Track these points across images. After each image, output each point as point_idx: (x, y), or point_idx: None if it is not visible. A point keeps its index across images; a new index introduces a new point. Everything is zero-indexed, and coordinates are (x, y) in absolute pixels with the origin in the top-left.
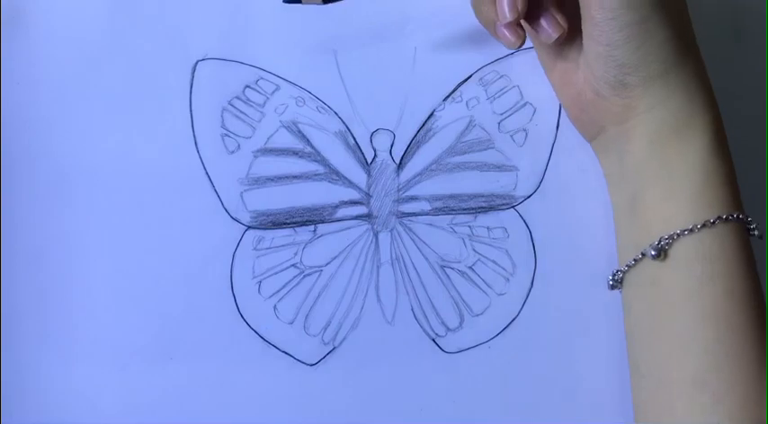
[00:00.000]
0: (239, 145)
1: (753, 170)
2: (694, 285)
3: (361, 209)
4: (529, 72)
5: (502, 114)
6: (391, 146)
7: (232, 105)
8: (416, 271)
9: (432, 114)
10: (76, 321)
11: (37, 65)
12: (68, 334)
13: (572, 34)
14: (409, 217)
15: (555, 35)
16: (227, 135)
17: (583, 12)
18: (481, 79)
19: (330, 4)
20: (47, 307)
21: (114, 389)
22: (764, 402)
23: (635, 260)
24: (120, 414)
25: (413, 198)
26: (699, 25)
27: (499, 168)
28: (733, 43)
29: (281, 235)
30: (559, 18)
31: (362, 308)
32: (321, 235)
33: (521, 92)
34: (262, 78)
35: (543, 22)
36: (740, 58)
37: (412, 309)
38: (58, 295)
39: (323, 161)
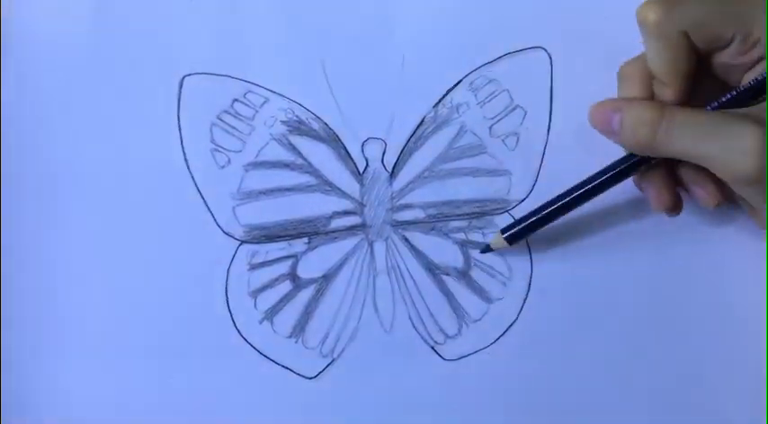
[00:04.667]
0: (230, 160)
1: None
2: None
3: (355, 219)
4: (518, 75)
5: (492, 119)
6: (383, 155)
7: (221, 119)
8: (413, 279)
9: (422, 121)
10: (72, 339)
11: (24, 82)
12: (65, 358)
13: None
14: (404, 226)
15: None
16: (216, 149)
17: None
18: (470, 84)
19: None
20: (45, 316)
21: (111, 406)
22: None
23: None
24: None
25: (406, 207)
26: None
27: (492, 173)
28: None
29: (275, 249)
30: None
31: (360, 319)
32: (316, 247)
33: (510, 96)
34: (250, 91)
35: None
36: None
37: (410, 317)
38: (52, 316)
39: (314, 172)
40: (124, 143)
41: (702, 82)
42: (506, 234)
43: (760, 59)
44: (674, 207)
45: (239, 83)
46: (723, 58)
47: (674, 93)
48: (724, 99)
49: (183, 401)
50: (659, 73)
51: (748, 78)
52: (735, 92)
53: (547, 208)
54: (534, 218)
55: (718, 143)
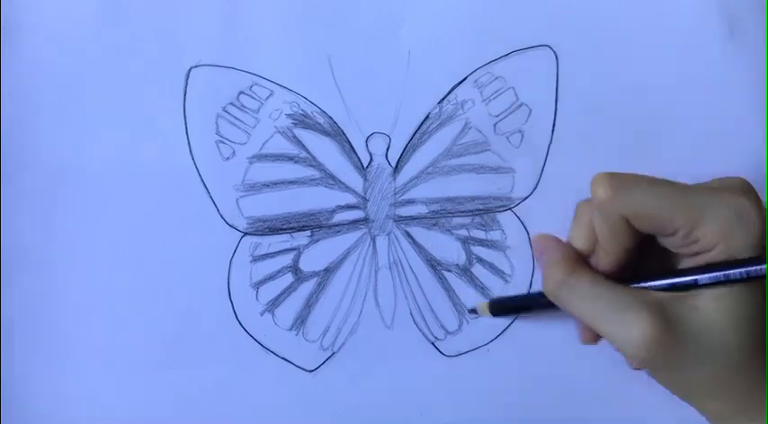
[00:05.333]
0: (234, 152)
1: (752, 167)
2: None
3: (358, 214)
4: (524, 73)
5: (497, 116)
6: (387, 150)
7: (226, 111)
8: (414, 275)
9: (427, 117)
10: (73, 328)
11: (31, 73)
12: (65, 341)
13: None
14: (406, 221)
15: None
16: (221, 141)
17: None
18: (476, 81)
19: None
20: (44, 314)
21: (112, 396)
22: None
23: None
24: (119, 420)
25: (410, 202)
26: (691, 21)
27: (496, 170)
28: (728, 40)
29: (277, 241)
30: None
31: (361, 313)
32: (318, 240)
33: (516, 94)
34: (256, 84)
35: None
36: (735, 55)
37: (411, 313)
38: (54, 302)
39: (318, 166)
40: (130, 134)
41: (651, 249)
42: (493, 308)
43: (698, 254)
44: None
45: (245, 76)
46: (665, 243)
47: (608, 264)
48: (648, 283)
49: (183, 392)
50: (600, 240)
51: (685, 264)
52: (662, 283)
53: (534, 302)
54: (521, 305)
55: (611, 325)
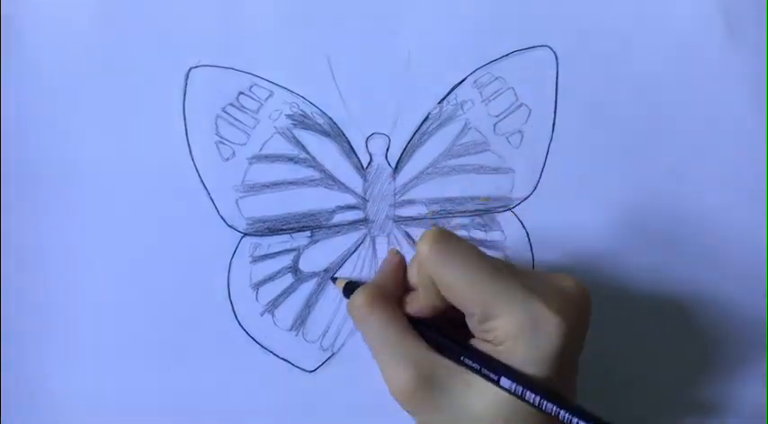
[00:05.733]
0: (234, 152)
1: (752, 167)
2: None
3: (358, 214)
4: (523, 73)
5: (497, 116)
6: (387, 150)
7: (226, 112)
8: None
9: (427, 117)
10: (73, 328)
11: (31, 74)
12: (64, 341)
13: None
14: (406, 221)
15: None
16: (221, 142)
17: None
18: (476, 81)
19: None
20: (43, 314)
21: (111, 397)
22: None
23: None
24: (119, 420)
25: (409, 202)
26: (691, 21)
27: (495, 170)
28: (727, 40)
29: (277, 242)
30: None
31: None
32: (318, 241)
33: (516, 94)
34: (255, 84)
35: None
36: (734, 55)
37: None
38: (53, 302)
39: (318, 166)
40: (129, 135)
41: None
42: (344, 287)
43: (491, 342)
44: None
45: (245, 76)
46: (467, 319)
47: (419, 310)
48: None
49: (184, 393)
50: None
51: (475, 340)
52: (468, 361)
53: None
54: None
55: (383, 364)
